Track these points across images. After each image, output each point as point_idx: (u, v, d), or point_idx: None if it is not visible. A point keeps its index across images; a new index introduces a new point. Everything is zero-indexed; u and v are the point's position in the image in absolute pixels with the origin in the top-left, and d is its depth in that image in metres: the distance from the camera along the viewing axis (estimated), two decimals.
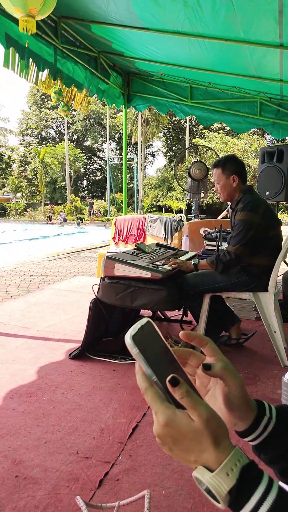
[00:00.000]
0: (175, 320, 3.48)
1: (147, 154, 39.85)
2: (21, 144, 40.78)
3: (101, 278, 2.61)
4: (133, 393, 2.27)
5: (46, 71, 5.31)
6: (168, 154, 37.63)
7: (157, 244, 3.27)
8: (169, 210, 29.98)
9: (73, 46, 5.21)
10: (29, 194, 35.40)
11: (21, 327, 3.42)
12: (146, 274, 2.39)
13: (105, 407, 2.13)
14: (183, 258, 2.85)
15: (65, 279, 5.66)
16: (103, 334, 2.85)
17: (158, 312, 3.37)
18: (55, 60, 5.15)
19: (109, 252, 4.30)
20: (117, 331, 2.95)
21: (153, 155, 42.72)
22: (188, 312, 3.11)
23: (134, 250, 2.81)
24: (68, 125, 35.98)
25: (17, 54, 4.66)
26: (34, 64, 4.99)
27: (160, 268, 2.45)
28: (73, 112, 35.97)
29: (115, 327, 2.91)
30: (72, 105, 6.08)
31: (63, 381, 2.42)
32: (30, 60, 4.89)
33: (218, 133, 20.90)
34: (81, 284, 5.07)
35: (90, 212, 24.99)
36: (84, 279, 5.57)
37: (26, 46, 4.57)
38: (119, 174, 33.65)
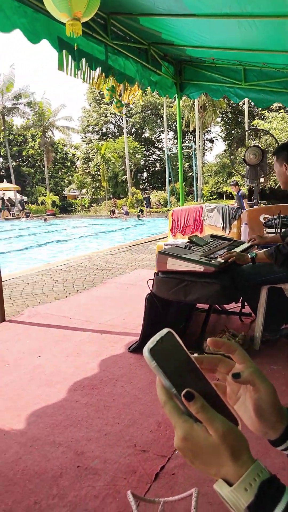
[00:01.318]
0: (234, 312, 3.42)
1: (205, 141, 39.05)
2: (84, 141, 42.00)
3: (155, 273, 2.64)
4: None
5: (98, 69, 5.41)
6: (227, 138, 36.59)
7: (212, 236, 3.22)
8: (230, 196, 29.24)
9: (123, 41, 5.24)
10: (93, 189, 36.43)
11: (85, 320, 3.57)
12: (199, 268, 2.37)
13: None
14: (239, 249, 2.78)
15: (126, 272, 5.78)
16: (160, 328, 2.88)
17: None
18: (106, 57, 5.21)
19: (166, 245, 4.32)
20: (174, 324, 2.97)
21: (211, 141, 41.77)
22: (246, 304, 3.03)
23: (187, 243, 2.80)
24: (126, 118, 36.35)
25: (70, 56, 4.79)
26: (87, 63, 5.10)
27: (213, 261, 2.41)
28: (130, 106, 36.26)
29: (172, 320, 2.93)
30: (124, 99, 6.15)
31: (123, 374, 2.50)
32: (83, 60, 5.01)
33: (279, 113, 19.86)
34: (140, 278, 5.15)
35: (146, 206, 25.22)
36: (144, 272, 5.64)
37: (77, 47, 4.67)
38: (178, 164, 33.35)
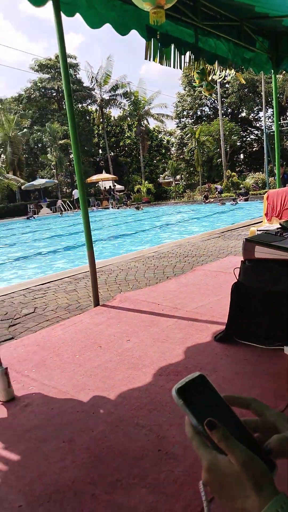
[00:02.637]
0: None
1: None
2: (178, 126, 41.91)
3: (242, 261, 2.56)
4: (277, 380, 2.18)
5: (188, 53, 5.32)
6: None
7: None
8: None
9: (213, 21, 5.07)
10: (187, 175, 36.28)
11: (172, 307, 3.62)
12: None
13: (246, 392, 2.11)
14: None
15: (217, 259, 5.69)
16: (247, 318, 2.79)
17: None
18: (196, 40, 5.10)
19: (259, 230, 4.14)
20: (260, 315, 2.85)
21: None
22: None
23: (278, 229, 2.65)
24: (222, 99, 35.24)
25: (158, 44, 4.79)
26: (176, 49, 5.06)
27: None
28: (226, 85, 35.00)
29: (259, 310, 2.82)
30: (218, 79, 5.98)
31: (208, 363, 2.49)
32: (172, 46, 4.98)
33: None
34: (231, 265, 5.01)
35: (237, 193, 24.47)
36: (235, 259, 5.49)
37: (165, 34, 4.65)
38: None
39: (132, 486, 1.52)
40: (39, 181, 30.71)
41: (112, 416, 2.01)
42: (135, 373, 2.45)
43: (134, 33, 4.33)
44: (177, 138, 39.88)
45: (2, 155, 33.96)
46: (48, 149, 35.32)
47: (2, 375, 2.23)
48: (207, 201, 24.89)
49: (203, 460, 0.47)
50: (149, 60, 4.57)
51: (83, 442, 1.82)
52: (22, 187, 30.89)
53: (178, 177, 34.75)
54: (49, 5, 3.44)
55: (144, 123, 37.29)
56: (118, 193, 32.92)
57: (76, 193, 31.84)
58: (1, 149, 33.18)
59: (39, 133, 35.91)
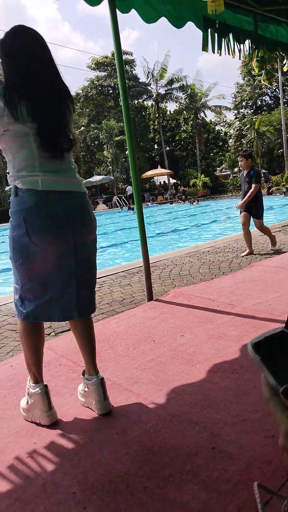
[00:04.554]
0: None
1: None
2: (236, 118, 40.87)
3: None
4: None
5: (247, 42, 5.16)
6: None
7: None
8: None
9: (274, 5, 4.85)
10: None
11: (228, 304, 3.54)
12: None
13: None
14: None
15: (276, 255, 5.48)
16: None
17: None
18: (255, 27, 4.93)
19: None
20: None
21: None
22: None
23: None
24: (284, 87, 33.78)
25: (216, 34, 4.68)
26: (234, 38, 4.91)
27: None
28: None
29: None
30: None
31: None
32: (230, 35, 4.84)
33: None
34: None
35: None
36: None
37: (223, 23, 4.53)
38: None
39: (184, 482, 1.51)
40: (95, 178, 31.43)
41: (165, 410, 2.00)
42: (188, 368, 2.43)
43: (190, 25, 4.27)
44: (235, 129, 38.92)
45: None
46: (105, 146, 36.01)
47: (98, 386, 2.05)
48: (269, 193, 23.93)
49: (281, 424, 0.44)
50: (207, 51, 4.48)
51: (136, 435, 1.83)
52: None
53: (236, 169, 33.90)
54: (105, 4, 3.48)
55: (200, 116, 36.77)
56: (173, 188, 32.82)
57: (129, 189, 32.25)
58: None
59: (95, 131, 36.73)
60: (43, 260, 1.88)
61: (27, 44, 1.83)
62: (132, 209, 24.23)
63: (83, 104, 39.93)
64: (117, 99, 40.24)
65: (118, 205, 30.34)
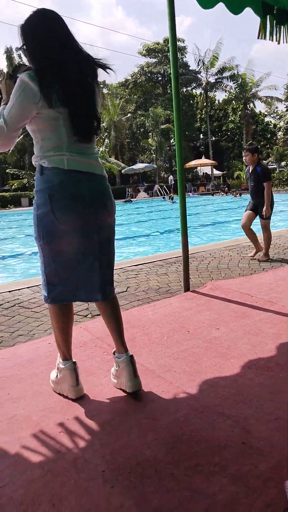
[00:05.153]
0: None
1: None
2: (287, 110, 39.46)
3: None
4: None
5: None
6: None
7: None
8: None
9: None
10: None
11: (267, 301, 3.46)
12: None
13: None
14: None
15: None
16: None
17: None
18: None
19: None
20: None
21: None
22: None
23: None
24: None
25: (274, 20, 4.50)
26: None
27: None
28: None
29: None
30: None
31: None
32: None
33: None
34: None
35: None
36: None
37: (283, 9, 4.34)
38: None
39: (212, 473, 1.50)
40: (138, 166, 31.44)
41: (197, 401, 2.00)
42: (222, 362, 2.41)
43: (247, 11, 4.12)
44: (286, 122, 37.60)
45: (106, 140, 35.32)
46: (150, 133, 35.84)
47: (128, 362, 2.09)
48: None
49: None
50: (263, 39, 4.32)
51: (166, 422, 1.84)
52: (123, 171, 31.92)
53: (283, 163, 32.82)
54: None
55: (250, 107, 35.78)
56: (220, 179, 32.28)
57: (171, 179, 31.99)
58: (106, 134, 34.49)
59: (142, 118, 36.59)
60: (67, 240, 1.92)
61: (54, 29, 1.83)
62: (172, 198, 24.06)
63: (131, 90, 39.85)
64: (166, 87, 39.85)
65: (159, 194, 30.26)
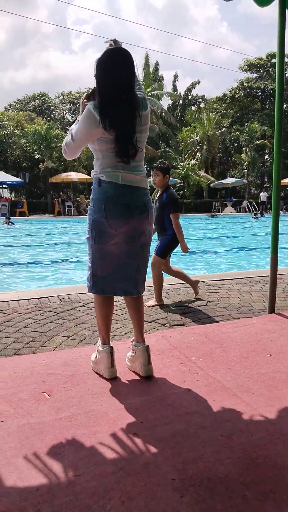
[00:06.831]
0: None
1: None
2: None
3: None
4: None
5: None
6: None
7: None
8: None
9: None
10: None
11: None
12: None
13: None
14: None
15: None
16: None
17: None
18: None
19: None
20: None
21: None
22: None
23: None
24: None
25: None
26: None
27: None
28: None
29: None
30: None
31: None
32: None
33: None
34: None
35: None
36: None
37: None
38: None
39: (285, 502, 1.44)
40: (228, 180, 30.99)
41: (275, 426, 1.93)
42: None
43: None
44: None
45: (198, 153, 35.44)
46: (243, 148, 35.23)
47: (144, 351, 2.43)
48: None
49: None
50: None
51: (241, 442, 1.80)
52: (211, 184, 31.72)
53: None
54: (275, 4, 3.39)
55: None
56: None
57: (263, 196, 30.97)
58: (198, 147, 34.63)
59: (237, 133, 36.12)
60: (114, 242, 2.30)
61: (118, 67, 2.16)
62: (256, 215, 23.27)
63: (228, 105, 39.61)
64: (265, 102, 38.99)
65: (247, 210, 29.52)
